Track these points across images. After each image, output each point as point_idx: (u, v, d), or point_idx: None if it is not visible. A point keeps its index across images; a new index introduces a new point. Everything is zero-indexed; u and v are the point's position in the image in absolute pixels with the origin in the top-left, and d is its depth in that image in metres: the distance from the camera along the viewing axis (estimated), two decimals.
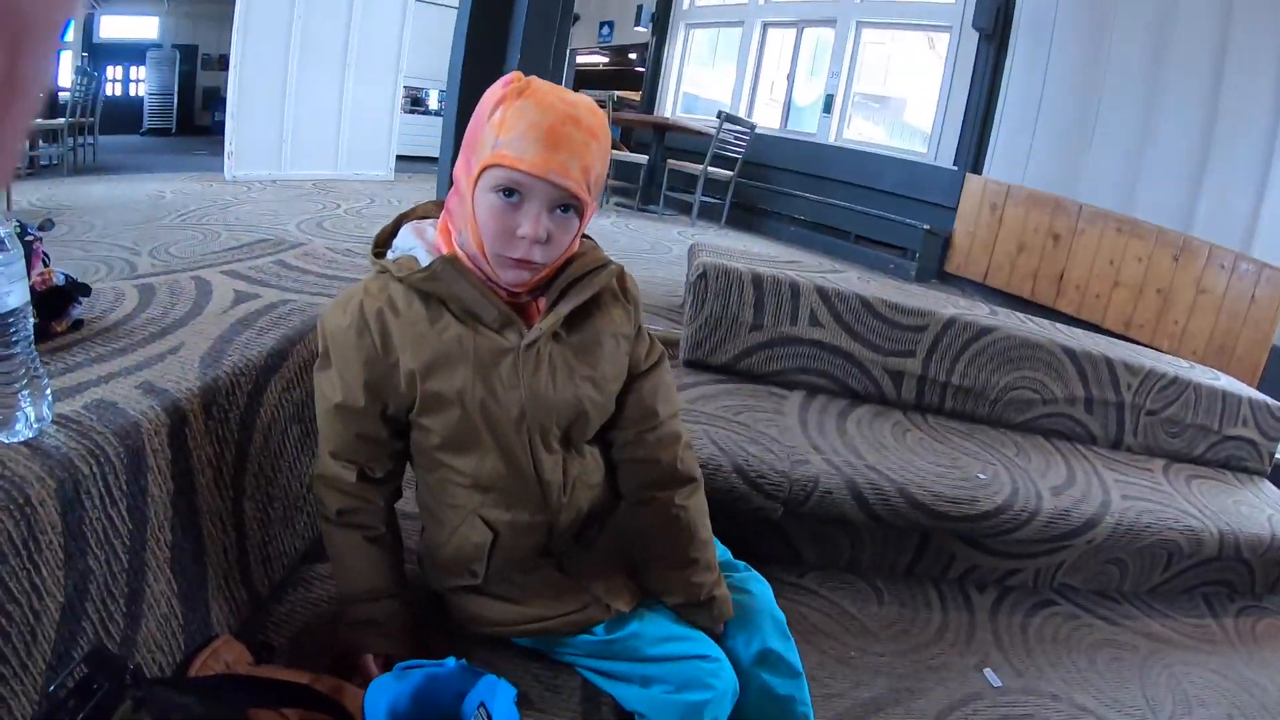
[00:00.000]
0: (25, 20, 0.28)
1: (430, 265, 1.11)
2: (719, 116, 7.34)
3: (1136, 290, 5.73)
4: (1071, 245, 6.11)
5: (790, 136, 8.80)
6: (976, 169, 7.03)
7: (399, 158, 8.14)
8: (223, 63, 10.39)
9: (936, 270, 7.02)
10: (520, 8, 4.45)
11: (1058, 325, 3.27)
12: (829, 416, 2.57)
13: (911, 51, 8.09)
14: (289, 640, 1.29)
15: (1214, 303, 5.31)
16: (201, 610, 1.15)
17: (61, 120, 7.38)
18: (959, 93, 7.32)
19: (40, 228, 1.30)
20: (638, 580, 1.28)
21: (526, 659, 1.29)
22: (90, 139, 8.04)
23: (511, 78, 1.08)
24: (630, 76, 12.34)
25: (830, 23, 8.41)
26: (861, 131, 8.45)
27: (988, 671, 2.13)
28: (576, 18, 10.52)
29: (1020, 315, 3.28)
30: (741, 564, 1.43)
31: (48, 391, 0.95)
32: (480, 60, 4.47)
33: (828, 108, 8.42)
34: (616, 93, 7.87)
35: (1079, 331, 3.33)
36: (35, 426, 0.92)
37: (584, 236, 1.20)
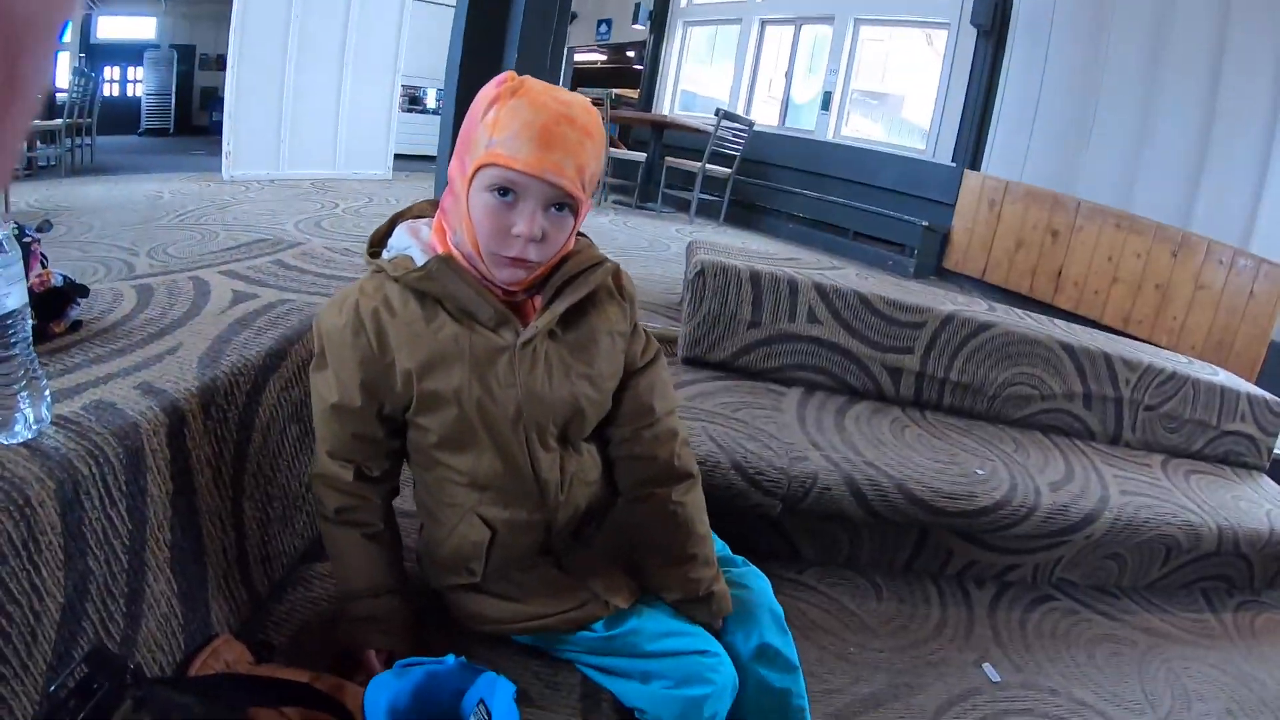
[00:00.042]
0: (23, 21, 0.28)
1: (426, 264, 1.12)
2: (717, 114, 7.34)
3: (1135, 286, 5.73)
4: (1070, 241, 6.12)
5: (788, 134, 8.78)
6: (975, 166, 7.03)
7: (397, 157, 8.13)
8: (220, 63, 10.38)
9: (935, 267, 7.02)
10: (518, 6, 4.44)
11: (1055, 321, 3.27)
12: (827, 413, 2.57)
13: (910, 48, 8.08)
14: (289, 639, 1.29)
15: (1212, 298, 5.31)
16: (201, 610, 1.16)
17: (59, 121, 7.37)
18: (957, 89, 7.31)
19: (38, 229, 1.30)
20: (636, 577, 1.29)
21: (526, 656, 1.30)
22: (88, 140, 8.04)
23: (505, 77, 1.08)
24: (628, 74, 12.34)
25: (828, 19, 8.40)
26: (860, 128, 8.44)
27: (987, 666, 2.13)
28: (574, 16, 10.55)
29: (1018, 311, 3.28)
30: (740, 559, 1.43)
31: (46, 393, 0.95)
32: (478, 59, 4.46)
33: (826, 105, 8.41)
34: (614, 91, 7.87)
35: (1077, 327, 3.34)
36: (34, 428, 0.92)
37: (579, 235, 1.20)
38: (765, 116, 8.95)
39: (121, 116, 12.45)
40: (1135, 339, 4.21)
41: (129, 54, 13.40)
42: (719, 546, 1.42)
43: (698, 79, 10.39)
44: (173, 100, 13.78)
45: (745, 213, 8.12)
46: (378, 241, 1.21)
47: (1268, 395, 3.36)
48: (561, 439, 1.22)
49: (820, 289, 2.69)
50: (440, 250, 1.15)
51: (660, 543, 1.28)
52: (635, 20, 10.87)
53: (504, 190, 1.06)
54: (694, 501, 1.32)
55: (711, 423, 2.29)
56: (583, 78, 13.31)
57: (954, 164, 7.21)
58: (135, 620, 1.01)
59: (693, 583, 1.26)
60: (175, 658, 1.08)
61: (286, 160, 7.03)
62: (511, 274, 1.11)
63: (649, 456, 1.29)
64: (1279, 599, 2.98)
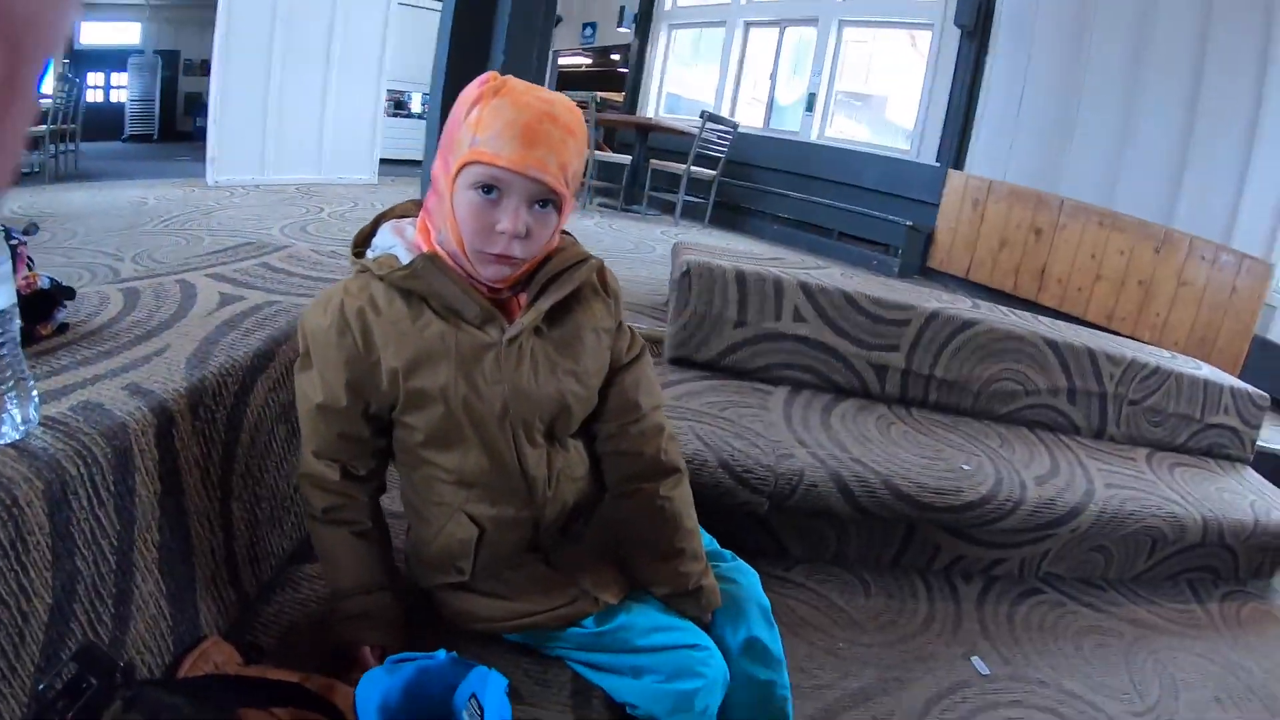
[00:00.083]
0: (24, 21, 0.28)
1: (411, 263, 1.12)
2: (702, 116, 7.35)
3: (1118, 283, 5.77)
4: (1053, 240, 6.15)
5: (773, 135, 8.81)
6: (959, 165, 7.07)
7: (382, 161, 8.11)
8: (204, 68, 10.32)
9: (919, 266, 7.04)
10: (503, 9, 4.45)
11: (1040, 318, 3.29)
12: (813, 411, 2.58)
13: (893, 49, 8.12)
14: (277, 640, 1.29)
15: (1195, 294, 5.35)
16: (190, 611, 1.15)
17: (43, 127, 7.31)
18: (941, 90, 7.35)
19: (25, 232, 1.30)
20: (625, 572, 1.29)
21: (517, 654, 1.30)
22: (72, 146, 7.98)
23: (487, 77, 1.09)
24: (613, 77, 12.34)
25: (812, 21, 8.43)
26: (844, 130, 8.47)
27: (975, 660, 2.15)
28: (559, 19, 10.54)
29: (1002, 308, 3.30)
30: (728, 553, 1.44)
31: (34, 394, 0.95)
32: (463, 62, 4.46)
33: (810, 106, 8.44)
34: (599, 94, 7.88)
35: (1061, 323, 3.36)
36: (22, 428, 0.92)
37: (563, 233, 1.21)
38: (750, 118, 8.98)
39: (105, 122, 12.36)
40: (1119, 335, 4.24)
41: (113, 60, 13.31)
42: (707, 541, 1.43)
43: (682, 81, 10.41)
44: (157, 106, 13.69)
45: (730, 214, 8.13)
46: (362, 241, 1.21)
47: (1250, 388, 3.39)
48: (548, 435, 1.23)
49: (805, 288, 2.70)
50: (425, 249, 1.15)
51: (648, 538, 1.28)
52: (620, 23, 10.89)
53: (488, 188, 1.07)
54: (681, 496, 1.32)
55: (698, 422, 2.29)
56: (568, 81, 13.31)
57: (938, 164, 7.24)
58: (124, 621, 1.01)
59: (682, 577, 1.27)
60: (164, 659, 1.08)
61: (271, 165, 6.99)
62: (497, 271, 1.12)
63: (635, 452, 1.30)
64: (1264, 589, 3.01)
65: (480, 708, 0.96)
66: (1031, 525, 2.44)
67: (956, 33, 7.12)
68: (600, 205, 7.85)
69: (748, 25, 9.27)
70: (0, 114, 0.29)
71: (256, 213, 5.61)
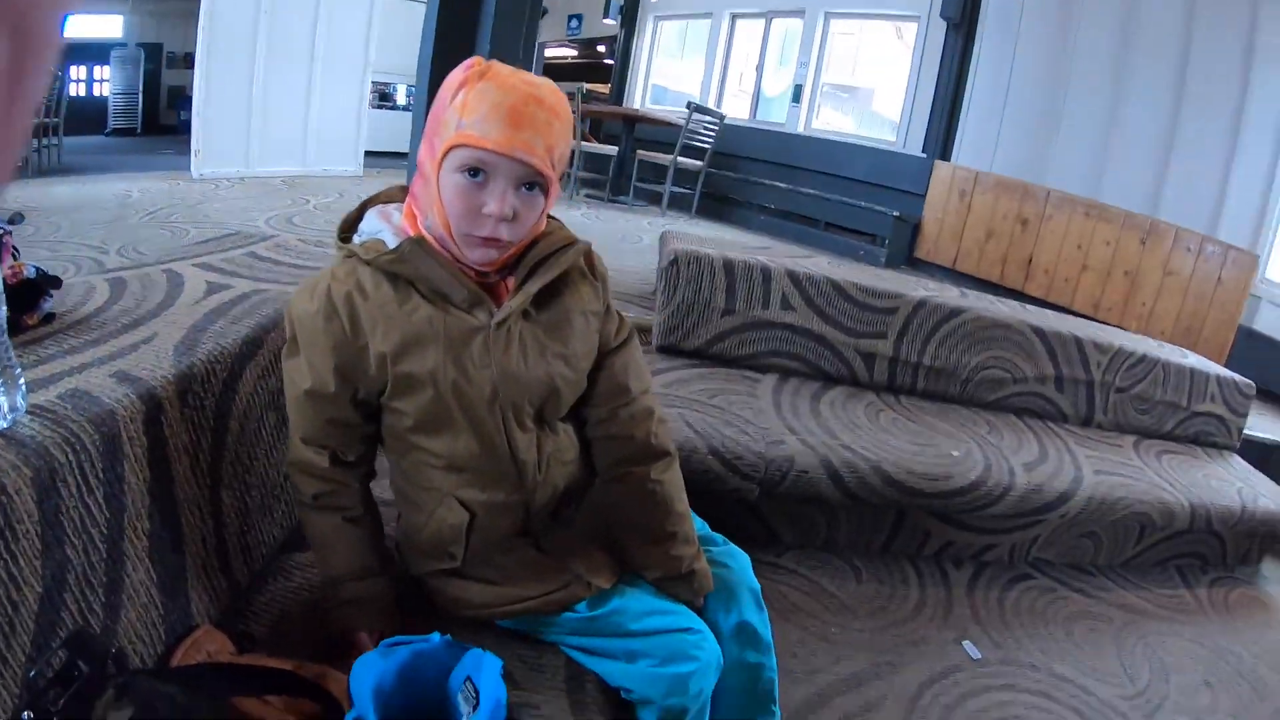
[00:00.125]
0: (26, 10, 0.28)
1: (398, 247, 1.12)
2: (688, 107, 7.34)
3: (1104, 273, 5.80)
4: (1039, 230, 6.17)
5: (760, 126, 8.82)
6: (945, 156, 7.09)
7: (368, 153, 8.06)
8: (188, 61, 10.24)
9: (906, 256, 7.06)
10: (489, 1, 4.44)
11: (1026, 306, 3.31)
12: (802, 398, 2.58)
13: (880, 41, 8.14)
14: (270, 629, 1.28)
15: (1181, 284, 5.38)
16: (181, 600, 1.15)
17: None
18: (927, 81, 7.37)
19: (10, 221, 1.29)
20: (617, 556, 1.29)
21: (510, 640, 1.29)
22: (55, 140, 7.91)
23: (472, 62, 1.09)
24: (599, 69, 12.32)
25: (799, 13, 8.43)
26: (830, 121, 8.49)
27: (967, 644, 2.16)
28: (545, 11, 10.49)
29: (990, 297, 3.32)
30: (720, 537, 1.44)
31: (21, 382, 0.94)
32: (449, 54, 4.44)
33: (796, 98, 8.44)
34: (585, 85, 7.85)
35: (1048, 312, 3.38)
36: (9, 417, 0.91)
37: (550, 217, 1.21)
38: (736, 110, 8.97)
39: (88, 116, 12.23)
40: (1106, 325, 4.26)
41: (95, 53, 13.17)
42: (699, 525, 1.43)
43: (669, 73, 10.40)
44: (140, 99, 13.57)
45: (717, 205, 8.13)
46: (348, 227, 1.20)
47: (1237, 377, 3.42)
48: (538, 419, 1.22)
49: (793, 276, 2.70)
50: (412, 234, 1.14)
51: (640, 521, 1.28)
52: (606, 15, 10.85)
53: (474, 170, 1.06)
54: (672, 479, 1.32)
55: (688, 409, 2.29)
56: (553, 73, 13.19)
57: (924, 155, 7.26)
58: (115, 610, 1.00)
59: (674, 560, 1.27)
60: (156, 649, 1.07)
61: (256, 157, 6.94)
62: (484, 254, 1.11)
63: (626, 436, 1.30)
64: (1251, 575, 3.04)
65: (476, 690, 0.96)
66: (1021, 511, 2.45)
67: (943, 24, 7.14)
68: (587, 196, 7.83)
69: (734, 17, 9.26)
70: (6, 103, 0.28)
71: (242, 205, 5.57)
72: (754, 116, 9.04)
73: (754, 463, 2.16)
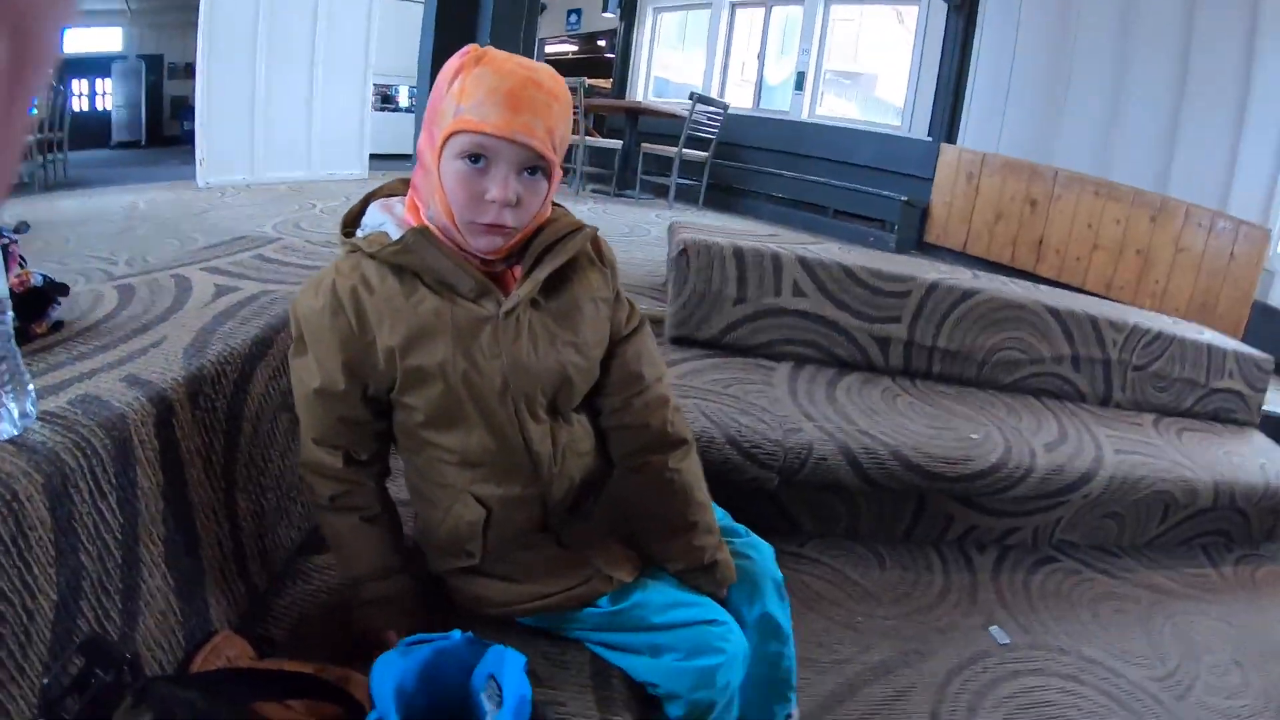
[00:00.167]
0: (26, 10, 0.27)
1: (402, 238, 1.10)
2: (692, 98, 7.31)
3: (1116, 252, 5.75)
4: (1049, 210, 6.12)
5: (763, 115, 8.78)
6: (951, 139, 7.04)
7: (372, 156, 8.05)
8: (189, 71, 10.23)
9: (916, 241, 7.02)
10: (488, 1, 4.43)
11: (1039, 286, 3.28)
12: (818, 385, 2.56)
13: (881, 26, 8.10)
14: (290, 633, 1.27)
15: (1193, 261, 5.33)
16: (199, 605, 1.14)
17: (30, 137, 7.26)
18: (930, 65, 7.32)
19: (15, 229, 1.28)
20: (638, 549, 1.27)
21: (533, 638, 1.28)
22: (60, 154, 7.93)
23: (468, 49, 1.07)
24: (600, 64, 12.28)
25: (799, 0, 8.39)
26: (834, 108, 8.45)
27: (994, 629, 2.14)
28: (543, 7, 10.47)
29: (1002, 278, 3.29)
30: (742, 528, 1.42)
31: (31, 388, 0.93)
32: (449, 53, 4.42)
33: (799, 85, 8.40)
34: (587, 80, 7.83)
35: (1061, 291, 3.35)
36: (20, 423, 0.90)
37: (555, 204, 1.19)
38: (739, 99, 8.94)
39: (92, 130, 12.27)
40: (1119, 304, 4.22)
41: (97, 66, 13.21)
42: (721, 516, 1.40)
43: (670, 65, 10.38)
44: (143, 111, 13.61)
45: (724, 195, 8.10)
46: (351, 221, 1.19)
47: (1255, 352, 3.38)
48: (551, 410, 1.20)
49: (804, 262, 2.68)
50: (415, 225, 1.13)
51: (659, 511, 1.26)
52: (605, 8, 10.82)
53: (475, 156, 1.05)
54: (690, 468, 1.30)
55: (704, 399, 2.28)
56: (554, 68, 13.24)
57: (930, 138, 7.21)
58: (132, 617, 0.99)
59: (696, 551, 1.25)
60: (176, 656, 1.06)
61: (261, 164, 6.94)
62: (489, 242, 1.09)
63: (641, 424, 1.28)
64: (1277, 551, 3.00)
65: (499, 687, 0.94)
66: (1043, 493, 2.43)
67: (944, 8, 7.08)
68: (593, 191, 7.80)
69: (734, 6, 9.23)
70: (6, 103, 0.28)
71: (249, 212, 5.57)
72: (757, 105, 9.01)
73: (772, 451, 2.14)
